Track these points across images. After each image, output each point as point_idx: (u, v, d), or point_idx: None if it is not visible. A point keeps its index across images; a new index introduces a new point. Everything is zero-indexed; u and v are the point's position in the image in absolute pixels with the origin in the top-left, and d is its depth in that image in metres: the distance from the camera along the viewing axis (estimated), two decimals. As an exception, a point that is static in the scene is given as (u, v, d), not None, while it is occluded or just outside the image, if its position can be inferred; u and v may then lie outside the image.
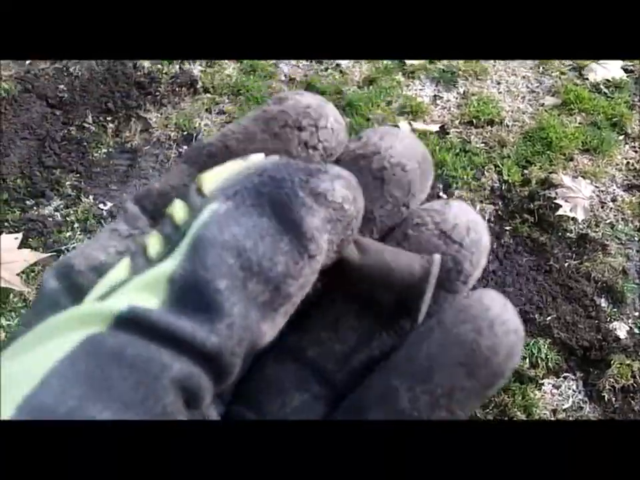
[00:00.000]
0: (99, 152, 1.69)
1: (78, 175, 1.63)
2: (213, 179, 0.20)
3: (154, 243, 0.20)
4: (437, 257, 0.21)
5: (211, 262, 0.17)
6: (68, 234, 1.50)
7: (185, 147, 1.71)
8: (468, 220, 0.22)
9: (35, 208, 1.55)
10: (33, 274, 1.41)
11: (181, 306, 0.17)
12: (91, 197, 1.58)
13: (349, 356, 0.22)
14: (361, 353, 0.22)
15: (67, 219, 1.54)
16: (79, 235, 1.51)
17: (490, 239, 0.23)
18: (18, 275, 1.38)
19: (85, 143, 1.70)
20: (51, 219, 1.53)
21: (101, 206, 1.57)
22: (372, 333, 0.22)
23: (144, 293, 0.18)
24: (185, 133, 1.74)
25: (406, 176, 0.22)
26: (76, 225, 1.52)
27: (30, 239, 1.47)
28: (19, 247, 1.43)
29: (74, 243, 1.48)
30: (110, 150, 1.70)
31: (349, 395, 0.21)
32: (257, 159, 0.21)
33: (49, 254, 1.45)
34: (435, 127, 1.79)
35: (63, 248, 1.47)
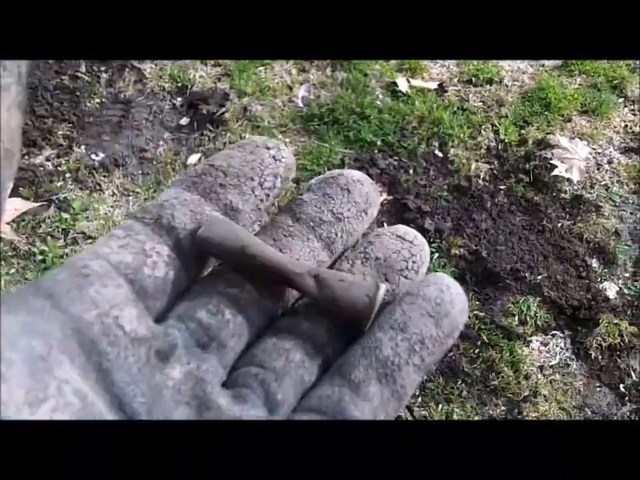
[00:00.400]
0: (92, 102, 1.66)
1: (70, 125, 1.61)
2: None
3: None
4: (383, 286, 0.26)
5: None
6: (59, 184, 1.49)
7: (179, 99, 1.69)
8: (414, 232, 0.30)
9: (26, 157, 1.53)
10: (23, 223, 1.40)
11: None
12: (82, 147, 1.57)
13: (325, 345, 0.27)
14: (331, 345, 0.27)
15: (59, 168, 1.52)
16: (70, 184, 1.49)
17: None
18: (8, 224, 1.37)
19: (78, 93, 1.68)
20: (42, 169, 1.51)
21: (93, 156, 1.56)
22: (340, 334, 0.27)
23: None
24: (179, 84, 1.71)
25: (364, 189, 0.30)
26: (67, 175, 1.51)
27: (21, 188, 1.46)
28: (10, 196, 1.42)
29: (65, 193, 1.47)
30: (103, 100, 1.67)
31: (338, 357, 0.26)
32: None
33: (40, 203, 1.44)
34: (433, 85, 1.76)
35: (54, 197, 1.46)
